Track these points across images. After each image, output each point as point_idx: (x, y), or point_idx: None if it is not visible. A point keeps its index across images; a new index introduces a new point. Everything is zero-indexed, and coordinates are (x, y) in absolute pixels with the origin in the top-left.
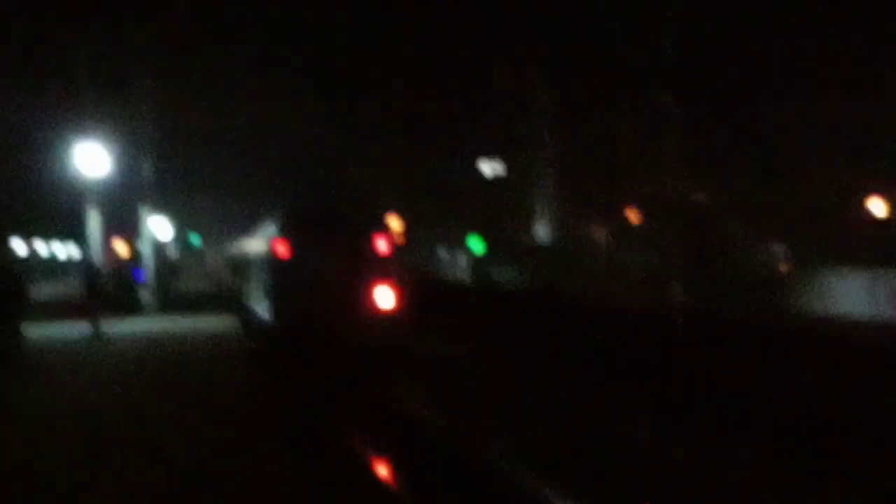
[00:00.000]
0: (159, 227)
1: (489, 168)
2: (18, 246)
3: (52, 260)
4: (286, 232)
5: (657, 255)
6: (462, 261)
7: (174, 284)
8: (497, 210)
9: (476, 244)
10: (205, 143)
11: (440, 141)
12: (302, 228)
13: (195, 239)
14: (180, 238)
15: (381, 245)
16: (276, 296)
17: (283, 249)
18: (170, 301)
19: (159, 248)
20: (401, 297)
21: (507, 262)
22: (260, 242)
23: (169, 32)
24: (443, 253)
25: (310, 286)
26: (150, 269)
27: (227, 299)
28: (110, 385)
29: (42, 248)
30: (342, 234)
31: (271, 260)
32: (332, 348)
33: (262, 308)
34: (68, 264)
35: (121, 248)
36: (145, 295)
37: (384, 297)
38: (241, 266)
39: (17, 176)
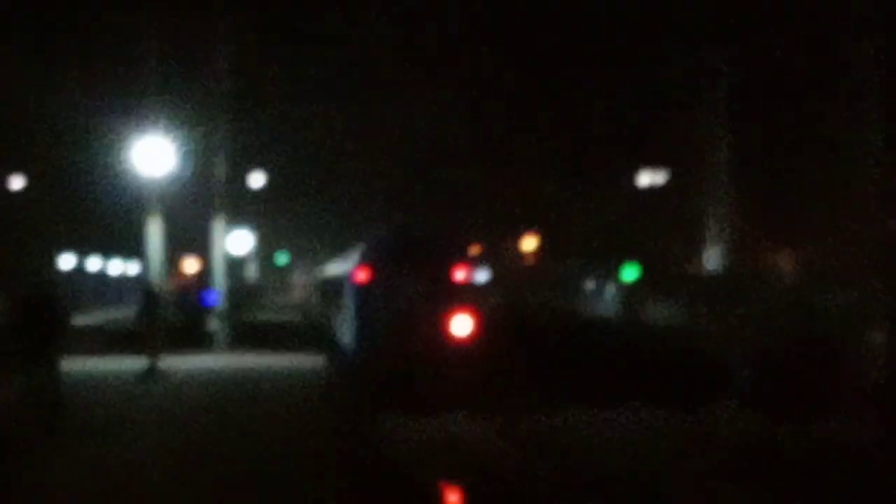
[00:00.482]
0: (237, 241)
1: (651, 181)
2: (68, 262)
3: (105, 277)
4: (370, 260)
5: (855, 294)
6: (609, 293)
7: (251, 311)
8: (657, 232)
9: (630, 273)
10: (299, 141)
11: (589, 152)
12: (386, 258)
13: (282, 257)
14: (262, 255)
15: (461, 275)
16: (357, 324)
17: (365, 276)
18: (245, 332)
19: (235, 265)
20: (479, 325)
21: (665, 296)
22: (347, 267)
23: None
24: (589, 284)
25: (390, 315)
26: (221, 291)
27: (315, 333)
28: (158, 456)
29: (96, 265)
30: (424, 264)
31: (354, 287)
32: (409, 377)
33: (345, 337)
34: (124, 283)
35: (189, 266)
36: (215, 323)
37: (461, 325)
38: (329, 292)
39: (70, 179)
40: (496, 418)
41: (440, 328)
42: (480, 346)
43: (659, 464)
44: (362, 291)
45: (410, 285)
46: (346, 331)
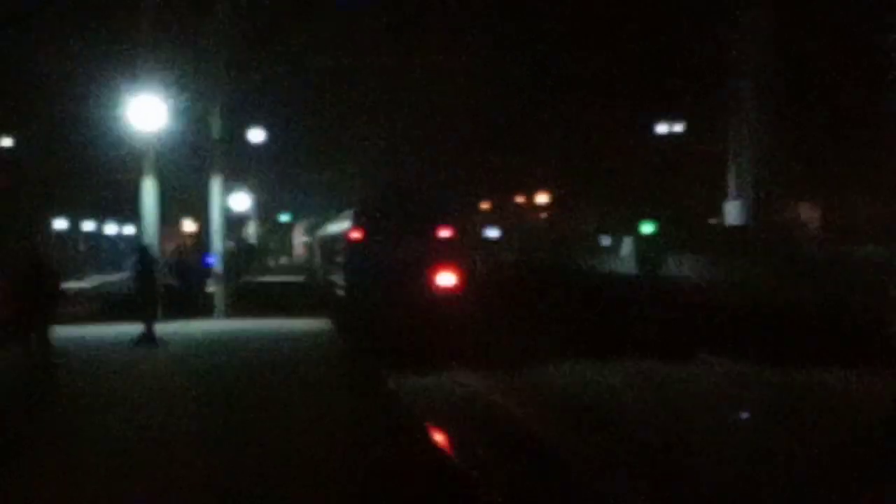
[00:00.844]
0: (235, 200)
1: (668, 130)
2: (61, 225)
3: (100, 239)
4: (362, 220)
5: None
6: (626, 249)
7: (251, 273)
8: (675, 184)
9: (647, 227)
10: (300, 95)
11: (605, 102)
12: (376, 219)
13: (284, 215)
14: (262, 214)
15: (445, 233)
16: (352, 275)
17: (358, 235)
18: (245, 295)
19: (234, 226)
20: (462, 278)
21: (684, 250)
22: (342, 227)
23: None
24: (605, 240)
25: (381, 268)
26: (220, 253)
27: (319, 294)
28: (154, 426)
29: (91, 227)
30: (411, 223)
31: (349, 245)
32: (398, 317)
33: (341, 284)
34: (121, 245)
35: (186, 228)
36: (214, 287)
37: (445, 277)
38: (328, 250)
39: (62, 138)
40: (494, 372)
41: (426, 282)
42: (464, 298)
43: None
44: (356, 249)
45: (399, 244)
46: (343, 285)
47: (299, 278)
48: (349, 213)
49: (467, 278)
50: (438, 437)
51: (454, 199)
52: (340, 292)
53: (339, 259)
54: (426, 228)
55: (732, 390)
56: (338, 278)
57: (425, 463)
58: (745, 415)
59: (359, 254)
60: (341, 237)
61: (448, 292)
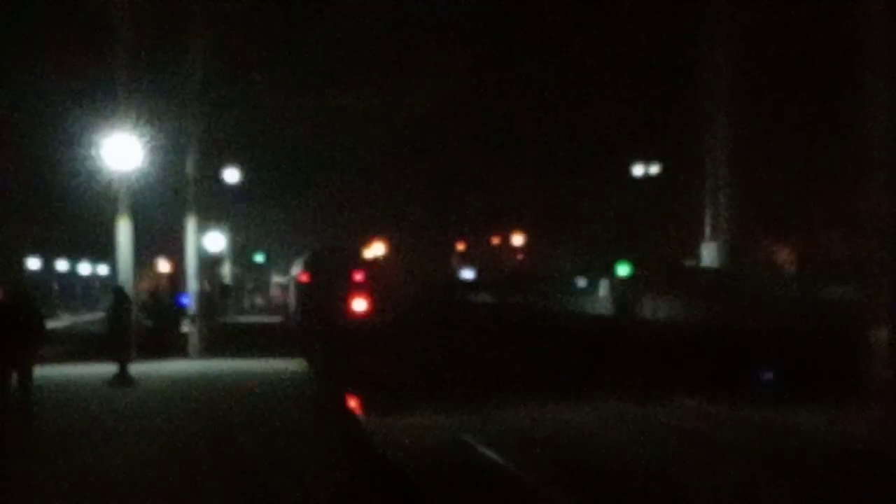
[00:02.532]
0: (210, 240)
1: (644, 172)
2: (34, 264)
3: (73, 279)
4: (307, 267)
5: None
6: (603, 291)
7: (227, 313)
8: (652, 226)
9: (624, 268)
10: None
11: (582, 143)
12: (316, 267)
13: (258, 255)
14: (238, 254)
15: (358, 276)
16: (301, 307)
17: (305, 277)
18: (220, 336)
19: (209, 266)
20: (372, 305)
21: (660, 292)
22: (296, 271)
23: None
24: (581, 281)
25: (318, 297)
26: (195, 293)
27: (297, 334)
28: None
29: (64, 267)
30: (337, 269)
31: (299, 284)
32: (330, 334)
33: (296, 313)
34: (93, 286)
35: (161, 268)
36: (188, 327)
37: (359, 304)
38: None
39: (35, 177)
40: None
41: (346, 307)
42: (373, 318)
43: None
44: (303, 287)
45: (330, 282)
46: (296, 309)
47: (275, 319)
48: (300, 261)
49: (377, 304)
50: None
51: (364, 255)
52: (295, 314)
53: (293, 292)
54: (346, 273)
55: (711, 432)
56: (293, 305)
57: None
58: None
59: (305, 288)
60: (293, 278)
61: (361, 313)
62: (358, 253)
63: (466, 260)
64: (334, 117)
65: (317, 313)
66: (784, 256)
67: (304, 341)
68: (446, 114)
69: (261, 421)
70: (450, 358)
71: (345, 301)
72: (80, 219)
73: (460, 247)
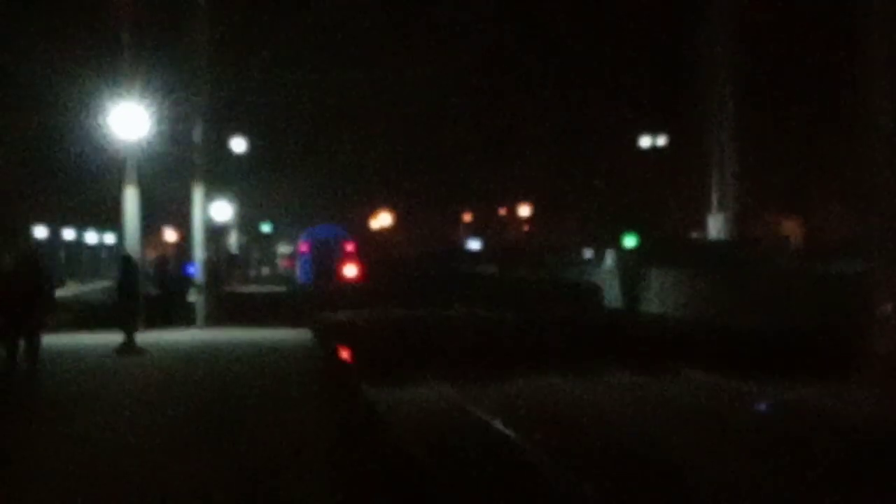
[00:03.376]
0: (218, 209)
1: (651, 143)
2: (41, 233)
3: (80, 248)
4: (306, 240)
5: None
6: (609, 262)
7: (234, 283)
8: (659, 197)
9: (630, 240)
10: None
11: (590, 114)
12: (314, 239)
13: (266, 225)
14: (245, 224)
15: (349, 247)
16: (303, 269)
17: (305, 248)
18: (227, 305)
19: (216, 235)
20: (362, 271)
21: (666, 264)
22: (297, 243)
23: None
24: (587, 253)
25: (317, 265)
26: (202, 262)
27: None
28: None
29: (71, 235)
30: (332, 242)
31: (300, 252)
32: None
33: (298, 277)
34: (100, 255)
35: (168, 237)
36: (195, 296)
37: (349, 269)
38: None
39: (42, 145)
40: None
41: (339, 271)
42: (362, 281)
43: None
44: (304, 255)
45: (325, 252)
46: (299, 274)
47: (281, 289)
48: (301, 234)
49: (366, 270)
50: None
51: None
52: (298, 278)
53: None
54: (339, 243)
55: (714, 403)
56: (296, 270)
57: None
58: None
59: (305, 257)
60: (296, 248)
61: (351, 277)
62: (352, 226)
63: (472, 231)
64: (342, 88)
65: (315, 277)
66: (790, 229)
67: (306, 307)
68: (455, 85)
69: (267, 393)
70: (452, 330)
71: (338, 264)
72: (88, 187)
73: (467, 217)
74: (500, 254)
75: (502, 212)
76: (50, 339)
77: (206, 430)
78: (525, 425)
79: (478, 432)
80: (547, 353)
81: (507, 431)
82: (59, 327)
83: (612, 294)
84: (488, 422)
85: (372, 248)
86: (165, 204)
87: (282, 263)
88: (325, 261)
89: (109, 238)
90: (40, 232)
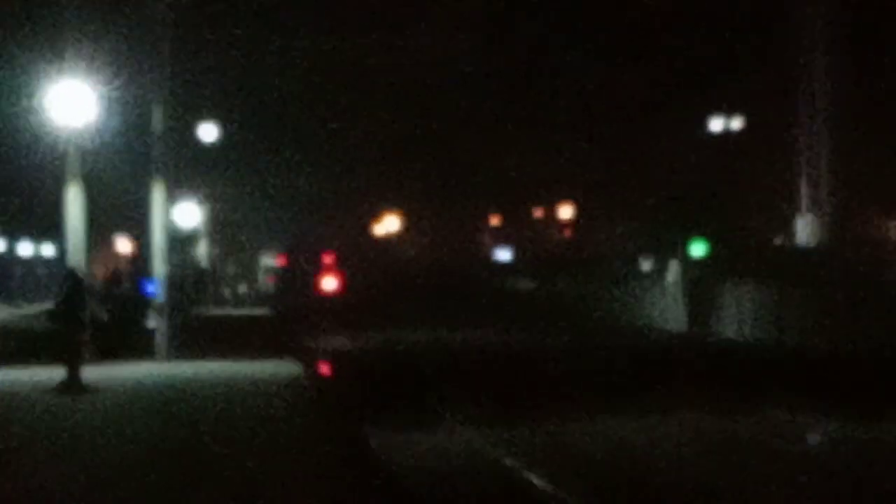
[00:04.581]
0: (183, 213)
1: (725, 128)
2: None
3: (11, 261)
4: (285, 252)
5: None
6: (672, 275)
7: (203, 304)
8: (733, 195)
9: (698, 248)
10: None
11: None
12: (293, 251)
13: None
14: (217, 231)
15: (327, 258)
16: (280, 285)
17: (283, 261)
18: (196, 332)
19: (181, 245)
20: (342, 283)
21: (744, 277)
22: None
23: None
24: (645, 264)
25: (293, 277)
26: (163, 279)
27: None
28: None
29: (1, 248)
30: (309, 254)
31: (279, 266)
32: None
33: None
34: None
35: (121, 247)
36: (155, 321)
37: (328, 282)
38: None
39: None
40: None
41: (316, 284)
42: (340, 294)
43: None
44: (281, 269)
45: (303, 264)
46: (276, 288)
47: (264, 311)
48: (276, 248)
49: (347, 282)
50: None
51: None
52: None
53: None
54: (317, 255)
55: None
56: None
57: None
58: None
59: (283, 270)
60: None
61: (329, 290)
62: (335, 234)
63: (502, 237)
64: (334, 62)
65: (292, 291)
66: None
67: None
68: (473, 57)
69: (246, 444)
70: (480, 357)
71: (316, 277)
72: (20, 187)
73: (494, 221)
74: (536, 265)
75: (538, 213)
76: None
77: (168, 495)
78: (571, 482)
79: (514, 492)
80: (598, 387)
81: (552, 490)
82: None
83: (677, 314)
84: (529, 479)
85: (374, 260)
86: (118, 207)
87: (267, 280)
88: (303, 276)
89: (48, 250)
90: None
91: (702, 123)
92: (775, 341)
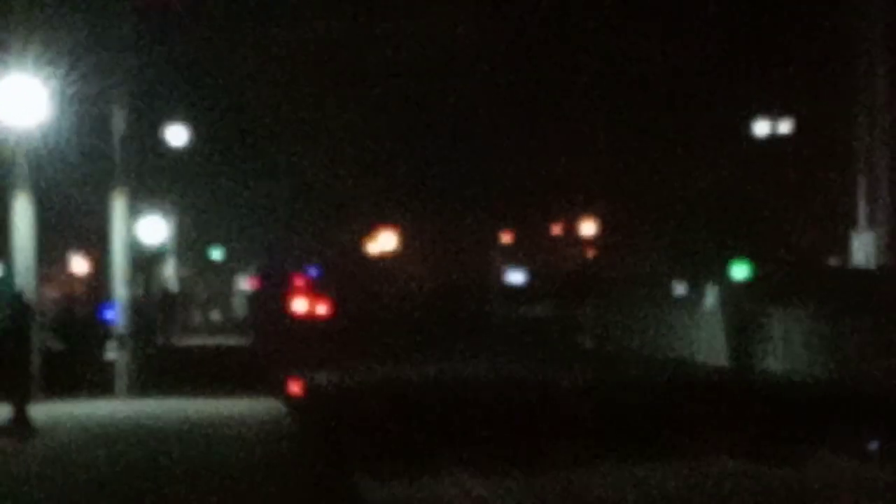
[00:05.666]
0: (147, 227)
1: (769, 132)
2: None
3: None
4: (258, 274)
5: None
6: (711, 301)
7: (171, 332)
8: (780, 208)
9: (741, 269)
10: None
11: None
12: (265, 273)
13: (217, 252)
14: (188, 248)
15: (298, 280)
16: (252, 307)
17: (256, 283)
18: (162, 365)
19: (145, 263)
20: (312, 304)
21: (801, 302)
22: (247, 278)
23: None
24: (679, 288)
25: (267, 300)
26: (125, 302)
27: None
28: None
29: None
30: (281, 275)
31: (251, 289)
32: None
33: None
34: None
35: (76, 267)
36: (116, 352)
37: (299, 304)
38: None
39: None
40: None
41: (287, 306)
42: (329, 321)
43: None
44: (254, 292)
45: (275, 286)
46: (248, 311)
47: (241, 341)
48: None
49: (336, 308)
50: None
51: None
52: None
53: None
54: (288, 277)
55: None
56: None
57: None
58: None
59: (255, 292)
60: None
61: (301, 312)
62: (300, 263)
63: (514, 257)
64: (319, 53)
65: (264, 313)
66: None
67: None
68: (478, 46)
69: (219, 501)
70: (488, 394)
71: (287, 298)
72: None
73: (506, 238)
74: (554, 289)
75: (556, 230)
76: None
77: None
78: None
79: None
80: (623, 429)
81: None
82: None
83: (716, 346)
84: None
85: (367, 282)
86: (73, 220)
87: (241, 305)
88: (275, 294)
89: None
90: None
91: (744, 126)
92: (830, 378)
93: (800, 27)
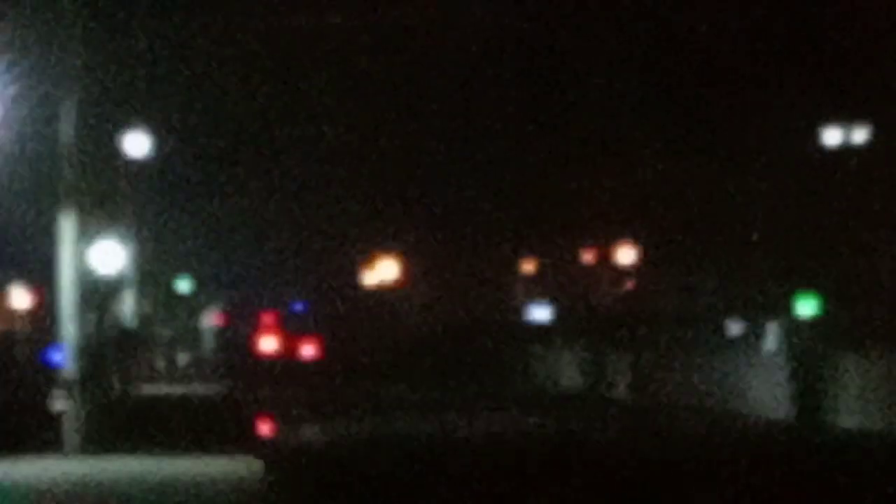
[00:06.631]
0: (101, 255)
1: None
2: None
3: None
4: (224, 310)
5: None
6: (772, 342)
7: (128, 378)
8: (855, 230)
9: (808, 304)
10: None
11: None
12: (232, 310)
13: (184, 283)
14: (149, 278)
15: (266, 318)
16: (218, 343)
17: (222, 320)
18: (118, 416)
19: (99, 296)
20: (282, 343)
21: (882, 343)
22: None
23: None
24: (734, 327)
25: (233, 337)
26: (74, 342)
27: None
28: None
29: None
30: (249, 312)
31: (216, 325)
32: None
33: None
34: None
35: (17, 301)
36: (64, 401)
37: (266, 343)
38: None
39: None
40: None
41: (253, 344)
42: (279, 354)
43: None
44: (220, 328)
45: (242, 323)
46: (216, 352)
47: (212, 388)
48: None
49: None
50: None
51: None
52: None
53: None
54: (255, 313)
55: None
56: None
57: None
58: None
59: (222, 328)
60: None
61: (268, 353)
62: (267, 300)
63: (538, 289)
64: (303, 47)
65: (230, 349)
66: None
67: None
68: (499, 39)
69: None
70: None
71: (252, 338)
72: None
73: (528, 268)
74: (585, 327)
75: (587, 257)
76: None
77: None
78: None
79: None
80: (665, 497)
81: None
82: None
83: (778, 395)
84: None
85: (363, 318)
86: (13, 245)
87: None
88: (242, 331)
89: None
90: None
91: (812, 135)
92: None
93: (872, 22)
